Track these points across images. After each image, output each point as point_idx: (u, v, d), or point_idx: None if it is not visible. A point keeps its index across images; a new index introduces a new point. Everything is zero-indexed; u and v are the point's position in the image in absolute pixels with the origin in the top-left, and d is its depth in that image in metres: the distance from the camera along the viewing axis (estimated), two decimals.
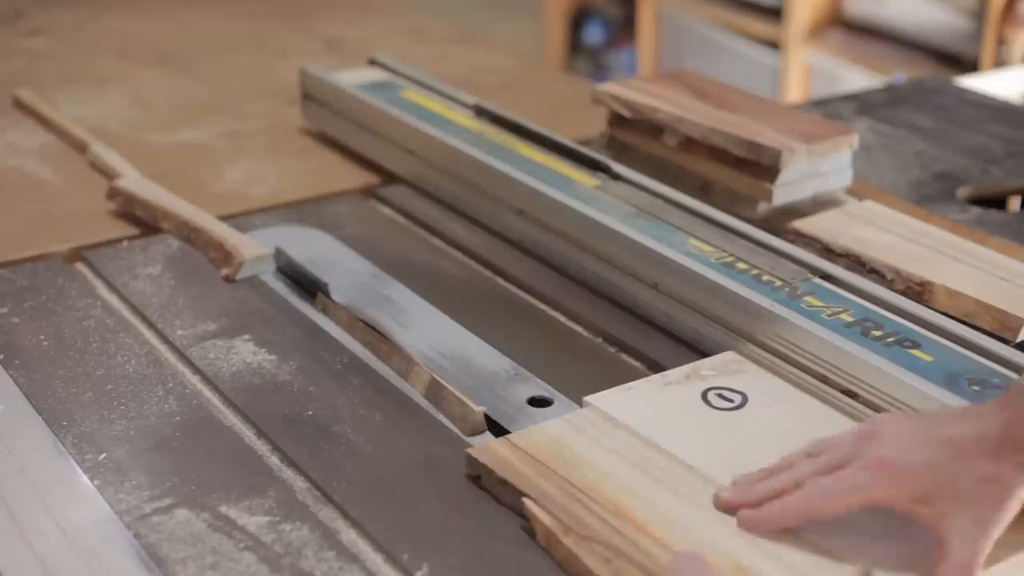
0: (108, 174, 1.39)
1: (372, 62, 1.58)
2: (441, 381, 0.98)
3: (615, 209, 1.19)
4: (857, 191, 1.32)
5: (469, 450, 0.90)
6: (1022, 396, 0.80)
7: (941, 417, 0.83)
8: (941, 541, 0.78)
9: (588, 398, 0.96)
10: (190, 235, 1.24)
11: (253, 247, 1.20)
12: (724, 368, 1.01)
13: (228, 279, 1.18)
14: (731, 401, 0.96)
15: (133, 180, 1.34)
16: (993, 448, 0.78)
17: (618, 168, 1.26)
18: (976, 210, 1.32)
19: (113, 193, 1.32)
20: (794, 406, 0.96)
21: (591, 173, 1.27)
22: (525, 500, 0.84)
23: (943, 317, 1.01)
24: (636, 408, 0.94)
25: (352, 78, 1.51)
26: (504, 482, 0.86)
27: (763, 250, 1.11)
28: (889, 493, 0.79)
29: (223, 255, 1.20)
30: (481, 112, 1.42)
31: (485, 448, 0.90)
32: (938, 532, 0.78)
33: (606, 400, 0.95)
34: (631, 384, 0.98)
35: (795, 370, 0.99)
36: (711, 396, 0.96)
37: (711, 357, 1.03)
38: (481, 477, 0.88)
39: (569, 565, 0.80)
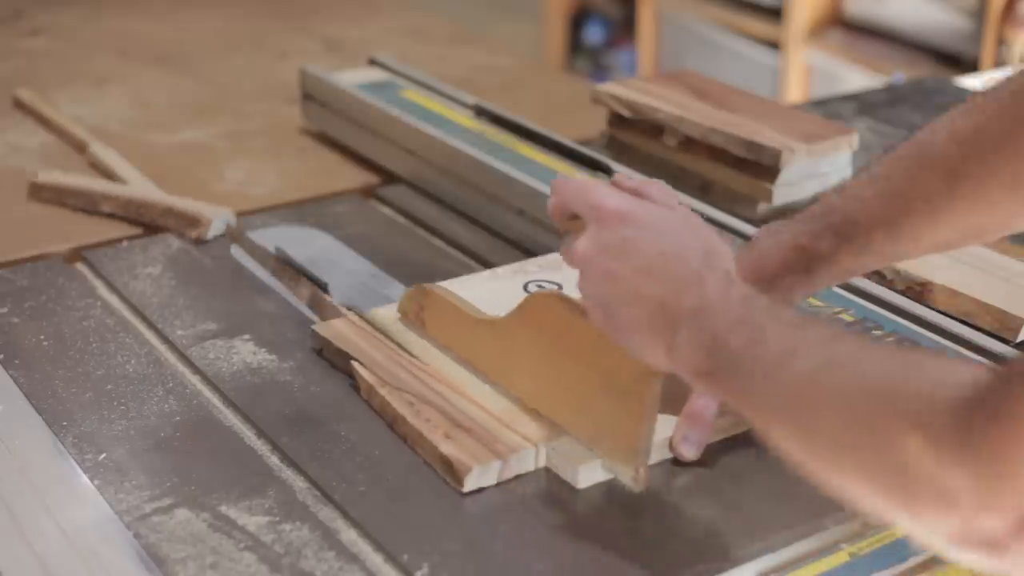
0: (107, 174, 1.39)
1: (372, 62, 1.58)
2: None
3: None
4: None
5: (314, 326, 1.04)
6: (748, 251, 0.89)
7: (662, 230, 0.82)
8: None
9: (424, 286, 1.03)
10: (140, 211, 1.26)
11: (212, 208, 1.25)
12: (548, 264, 1.10)
13: (199, 240, 1.23)
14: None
15: (56, 174, 1.35)
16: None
17: (618, 168, 1.26)
18: None
19: (35, 190, 1.33)
20: None
21: (591, 173, 1.27)
22: (352, 362, 0.98)
23: (943, 317, 1.01)
24: (463, 292, 1.02)
25: (352, 78, 1.51)
26: (340, 351, 1.00)
27: None
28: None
29: (187, 220, 1.24)
30: (481, 112, 1.42)
31: (328, 324, 1.04)
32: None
33: (440, 286, 1.03)
34: (464, 276, 1.10)
35: None
36: (531, 287, 1.07)
37: (540, 256, 1.13)
38: (323, 350, 1.02)
39: (384, 412, 0.94)
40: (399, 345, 1.01)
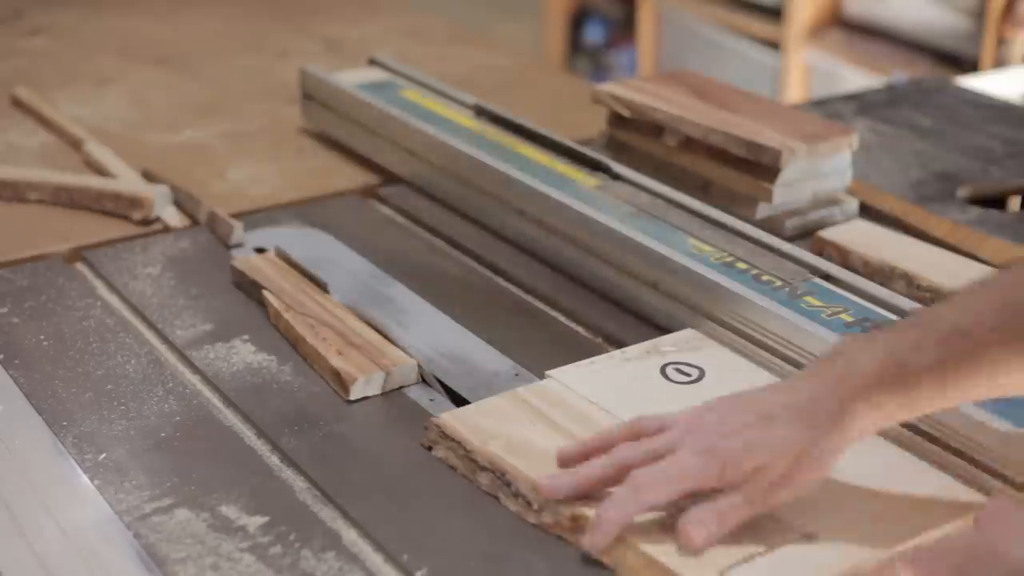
0: (102, 172, 1.39)
1: (372, 62, 1.58)
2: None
3: (615, 209, 1.19)
4: (857, 191, 1.32)
5: (232, 261, 1.16)
6: (829, 367, 0.81)
7: (758, 391, 0.84)
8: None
9: (550, 372, 0.98)
10: (73, 197, 1.26)
11: (151, 186, 1.27)
12: (684, 344, 1.02)
13: (147, 220, 1.26)
14: (688, 375, 0.98)
15: None
16: (799, 415, 0.80)
17: (618, 168, 1.26)
18: (976, 210, 1.32)
19: None
20: (750, 377, 0.97)
21: (591, 173, 1.27)
22: (263, 291, 1.10)
23: None
24: (592, 382, 0.97)
25: (352, 78, 1.51)
26: (253, 282, 1.12)
27: (763, 250, 1.11)
28: (712, 476, 0.79)
29: (126, 201, 1.24)
30: (481, 112, 1.42)
31: (245, 259, 1.16)
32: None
33: (566, 374, 0.98)
34: (592, 359, 1.01)
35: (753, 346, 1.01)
36: (669, 370, 0.99)
37: (671, 334, 1.05)
38: (239, 283, 1.13)
39: (288, 334, 1.06)
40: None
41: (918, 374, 0.79)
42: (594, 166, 1.28)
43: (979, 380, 0.80)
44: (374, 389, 0.99)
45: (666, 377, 0.98)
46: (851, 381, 0.79)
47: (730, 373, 0.98)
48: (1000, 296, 0.80)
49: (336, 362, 1.00)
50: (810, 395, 0.80)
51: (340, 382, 0.99)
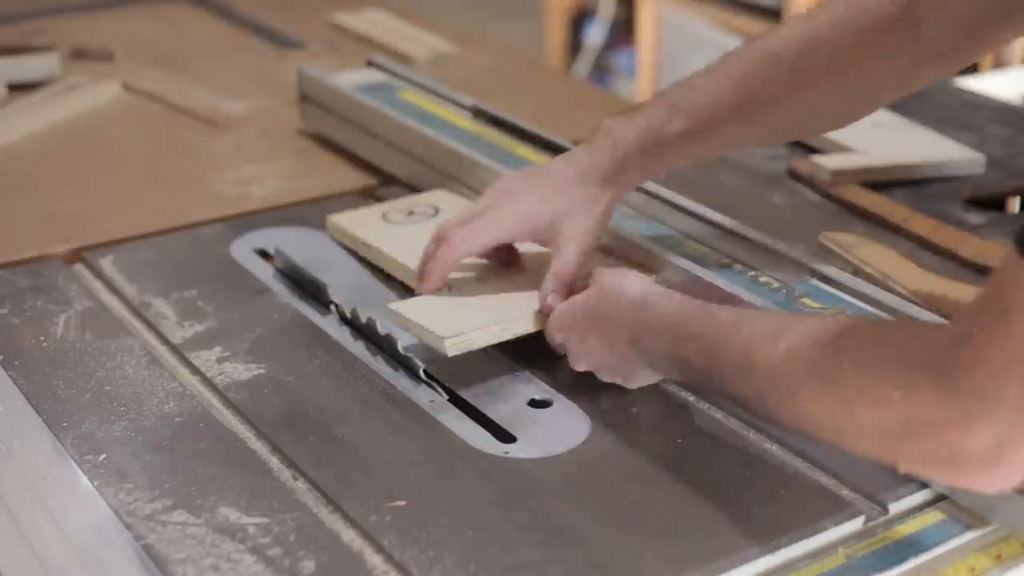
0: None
1: (370, 63, 1.58)
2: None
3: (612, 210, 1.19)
4: (852, 192, 1.32)
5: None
6: (602, 140, 1.05)
7: (549, 167, 1.08)
8: (555, 249, 1.04)
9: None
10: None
11: None
12: (432, 198, 1.28)
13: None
14: (426, 213, 1.25)
15: None
16: (586, 178, 1.04)
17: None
18: (976, 210, 1.32)
19: None
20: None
21: None
22: None
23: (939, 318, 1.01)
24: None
25: (350, 79, 1.51)
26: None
27: (761, 251, 1.11)
28: (519, 232, 1.06)
29: None
30: (479, 113, 1.42)
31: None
32: (553, 243, 1.04)
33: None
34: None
35: None
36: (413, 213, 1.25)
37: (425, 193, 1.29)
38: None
39: None
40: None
41: (668, 143, 1.02)
42: None
43: (716, 145, 1.06)
44: None
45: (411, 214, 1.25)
46: (619, 148, 1.03)
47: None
48: (740, 75, 0.99)
49: None
50: (591, 162, 1.05)
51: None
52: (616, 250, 1.13)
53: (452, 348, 0.99)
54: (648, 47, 3.52)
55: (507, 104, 1.45)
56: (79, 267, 1.22)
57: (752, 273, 1.08)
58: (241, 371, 1.03)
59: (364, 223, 1.24)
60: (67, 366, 1.03)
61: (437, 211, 1.25)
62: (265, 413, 0.97)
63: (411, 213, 1.25)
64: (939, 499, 0.89)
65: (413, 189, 1.37)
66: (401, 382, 1.02)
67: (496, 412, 0.98)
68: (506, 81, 1.79)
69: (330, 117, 1.50)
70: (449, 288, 1.07)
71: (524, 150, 1.33)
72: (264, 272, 1.19)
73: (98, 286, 1.18)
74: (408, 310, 1.04)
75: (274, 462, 0.92)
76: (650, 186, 1.23)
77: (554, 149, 1.32)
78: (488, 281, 1.09)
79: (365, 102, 1.43)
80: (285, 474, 0.91)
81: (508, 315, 1.03)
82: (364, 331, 1.08)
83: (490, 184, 1.10)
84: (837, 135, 1.44)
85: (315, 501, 0.88)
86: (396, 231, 1.22)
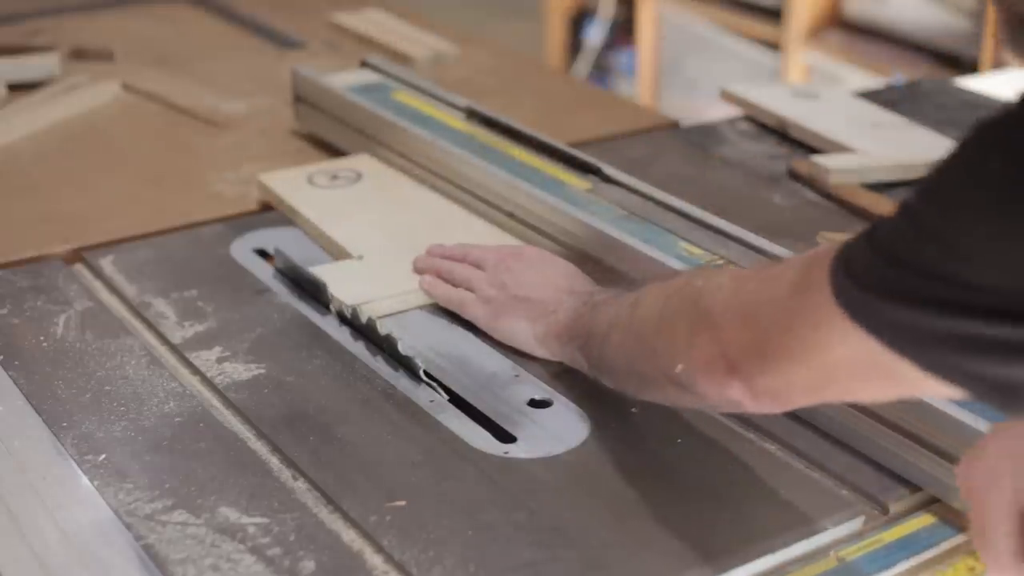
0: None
1: (364, 64, 1.57)
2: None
3: (606, 212, 1.19)
4: (851, 192, 1.32)
5: None
6: (579, 298, 1.03)
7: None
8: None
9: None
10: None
11: None
12: (355, 163, 1.35)
13: None
14: (349, 178, 1.35)
15: None
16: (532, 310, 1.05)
17: (609, 171, 1.26)
18: None
19: None
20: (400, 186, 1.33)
21: (582, 176, 1.27)
22: None
23: None
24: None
25: (344, 80, 1.51)
26: None
27: (754, 253, 1.11)
28: (479, 315, 1.09)
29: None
30: (472, 114, 1.41)
31: None
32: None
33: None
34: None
35: None
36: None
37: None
38: None
39: None
40: None
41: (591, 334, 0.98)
42: (585, 169, 1.28)
43: None
44: None
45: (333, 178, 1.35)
46: (560, 319, 1.02)
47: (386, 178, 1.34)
48: (665, 295, 0.91)
49: None
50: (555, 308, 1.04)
51: None
52: (606, 255, 1.13)
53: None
54: (648, 47, 3.52)
55: (507, 104, 1.45)
56: (79, 267, 1.22)
57: None
58: (241, 371, 1.03)
59: (290, 186, 1.33)
60: (67, 366, 1.04)
61: (359, 176, 1.35)
62: (265, 413, 0.97)
63: (335, 177, 1.35)
64: (935, 501, 0.89)
65: None
66: (401, 382, 1.02)
67: (496, 412, 0.98)
68: (506, 81, 1.79)
69: (323, 118, 1.49)
70: (362, 258, 1.18)
71: (517, 151, 1.33)
72: (264, 272, 1.19)
73: (98, 286, 1.18)
74: (322, 272, 1.14)
75: (274, 462, 0.92)
76: (641, 186, 1.23)
77: (547, 150, 1.31)
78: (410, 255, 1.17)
79: (357, 103, 1.42)
80: (285, 474, 0.91)
81: (413, 286, 1.13)
82: (364, 331, 1.08)
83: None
84: (837, 135, 1.44)
85: (315, 501, 0.88)
86: (319, 195, 1.31)
